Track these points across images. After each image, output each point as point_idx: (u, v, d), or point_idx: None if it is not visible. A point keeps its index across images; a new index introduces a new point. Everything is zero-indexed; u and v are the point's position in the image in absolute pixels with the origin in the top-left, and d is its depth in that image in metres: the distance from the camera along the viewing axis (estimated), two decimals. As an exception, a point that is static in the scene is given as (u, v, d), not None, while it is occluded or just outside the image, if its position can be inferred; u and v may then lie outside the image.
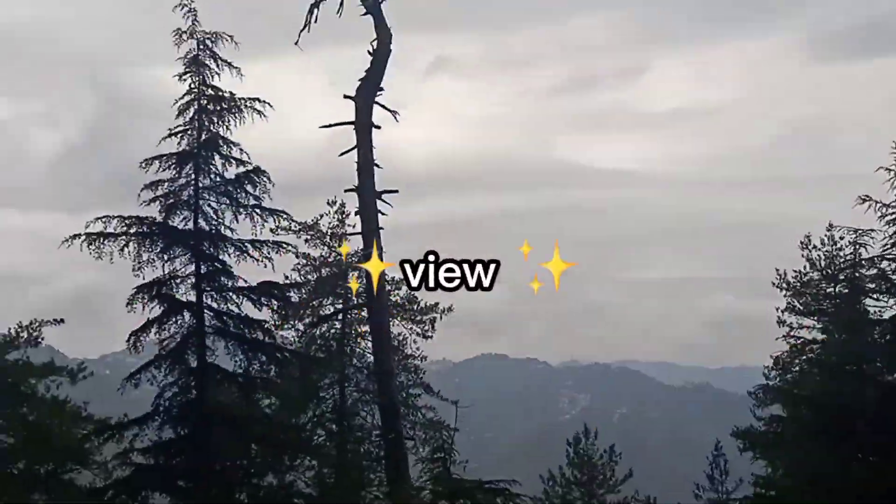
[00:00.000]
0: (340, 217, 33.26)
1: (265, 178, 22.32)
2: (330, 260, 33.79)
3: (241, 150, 22.79)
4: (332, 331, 33.45)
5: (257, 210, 22.65)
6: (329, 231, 33.61)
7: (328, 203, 33.06)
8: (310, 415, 32.16)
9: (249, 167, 22.41)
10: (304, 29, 26.05)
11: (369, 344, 34.40)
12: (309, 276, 33.37)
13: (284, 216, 22.61)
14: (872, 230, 31.00)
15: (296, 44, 25.97)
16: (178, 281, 22.96)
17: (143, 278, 22.60)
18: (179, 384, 22.73)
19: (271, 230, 23.35)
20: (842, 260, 32.54)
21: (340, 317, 32.94)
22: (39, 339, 30.73)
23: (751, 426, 36.31)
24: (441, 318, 35.08)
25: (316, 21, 25.96)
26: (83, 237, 22.11)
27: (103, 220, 22.67)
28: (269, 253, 22.79)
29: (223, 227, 22.95)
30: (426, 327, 34.98)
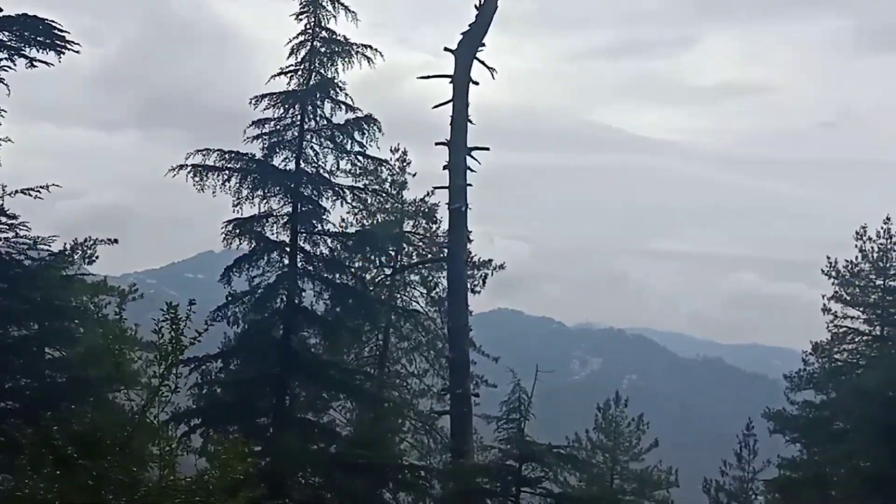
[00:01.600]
0: (402, 165, 32.98)
1: (376, 127, 22.16)
2: (387, 207, 33.60)
3: (346, 94, 22.61)
4: (381, 277, 33.35)
5: (360, 157, 22.55)
6: (389, 178, 33.40)
7: (391, 150, 32.63)
8: (351, 357, 32.32)
9: (360, 114, 22.22)
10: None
11: (415, 293, 34.59)
12: (364, 222, 33.27)
13: (387, 165, 22.49)
14: None
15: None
16: (271, 220, 22.93)
17: (241, 213, 22.59)
18: (267, 322, 22.82)
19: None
20: None
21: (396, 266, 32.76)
22: (94, 258, 30.75)
23: (783, 409, 36.87)
24: (492, 274, 35.12)
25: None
26: (189, 168, 22.03)
27: (203, 152, 22.59)
28: (367, 200, 22.78)
29: (322, 170, 22.86)
30: (476, 283, 35.02)
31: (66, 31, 20.44)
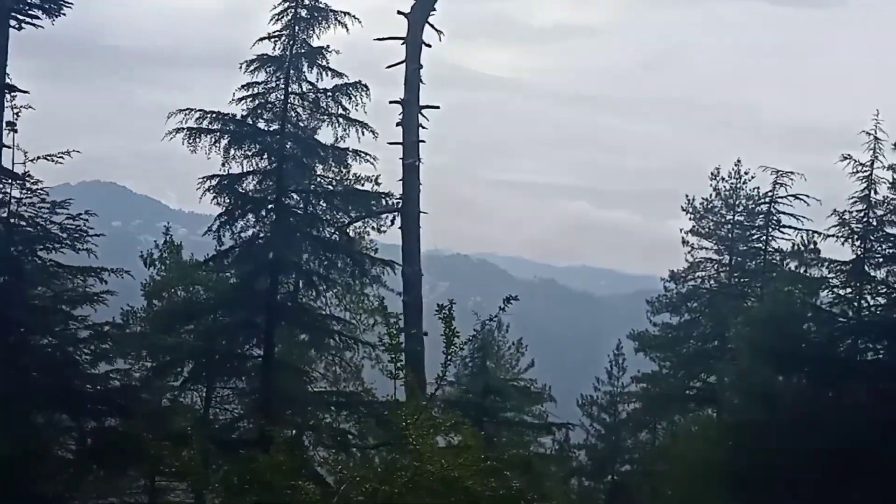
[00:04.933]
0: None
1: (363, 92, 23.70)
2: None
3: (327, 60, 23.94)
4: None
5: (340, 119, 24.06)
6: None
7: None
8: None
9: (347, 80, 23.69)
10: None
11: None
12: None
13: (368, 128, 24.09)
14: (792, 172, 36.34)
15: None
16: (254, 178, 24.18)
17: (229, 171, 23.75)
18: (254, 275, 24.25)
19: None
20: (761, 194, 37.68)
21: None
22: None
23: (646, 330, 41.56)
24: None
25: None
26: (185, 131, 22.93)
27: (185, 111, 23.47)
28: (347, 160, 24.39)
29: (304, 132, 24.24)
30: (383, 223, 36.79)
31: (68, -2, 20.70)
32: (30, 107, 19.55)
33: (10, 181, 19.11)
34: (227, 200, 24.23)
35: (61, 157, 20.04)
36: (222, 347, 24.31)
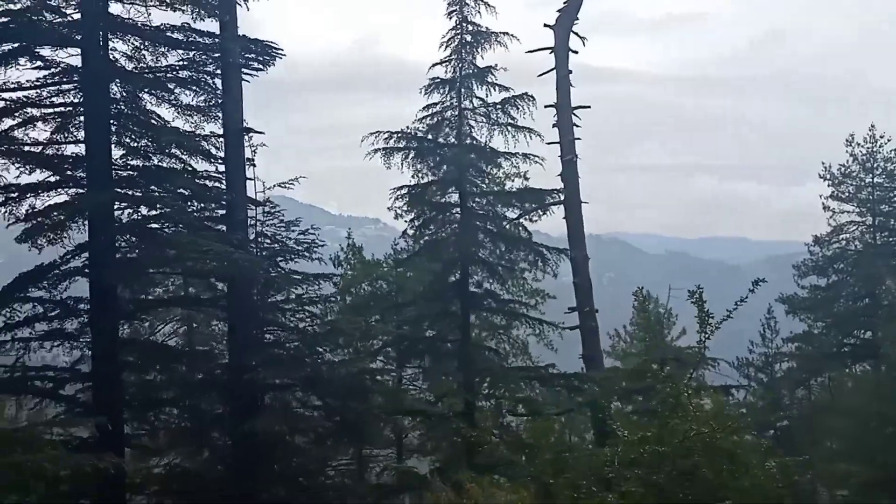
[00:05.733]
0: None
1: (529, 102, 27.04)
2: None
3: (495, 77, 27.31)
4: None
5: (509, 127, 27.43)
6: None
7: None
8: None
9: (514, 93, 27.05)
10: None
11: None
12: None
13: (535, 133, 27.39)
14: None
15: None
16: (440, 185, 27.83)
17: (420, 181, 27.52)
18: (445, 270, 27.91)
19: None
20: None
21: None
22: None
23: (794, 293, 43.71)
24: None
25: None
26: (381, 151, 26.73)
27: (374, 134, 27.21)
28: (517, 163, 27.75)
29: (476, 141, 27.71)
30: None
31: (280, 49, 24.42)
32: (264, 145, 23.53)
33: (254, 207, 23.11)
34: (417, 207, 27.98)
35: (291, 184, 24.04)
36: (421, 333, 28.08)
